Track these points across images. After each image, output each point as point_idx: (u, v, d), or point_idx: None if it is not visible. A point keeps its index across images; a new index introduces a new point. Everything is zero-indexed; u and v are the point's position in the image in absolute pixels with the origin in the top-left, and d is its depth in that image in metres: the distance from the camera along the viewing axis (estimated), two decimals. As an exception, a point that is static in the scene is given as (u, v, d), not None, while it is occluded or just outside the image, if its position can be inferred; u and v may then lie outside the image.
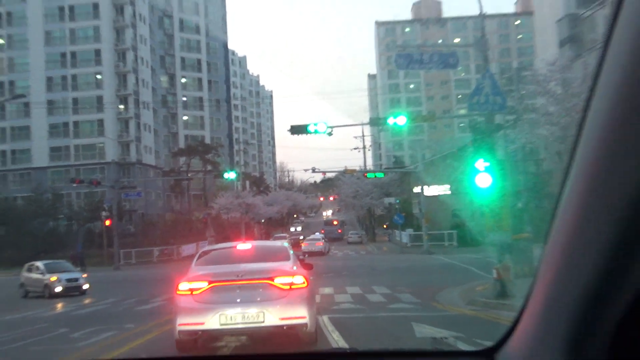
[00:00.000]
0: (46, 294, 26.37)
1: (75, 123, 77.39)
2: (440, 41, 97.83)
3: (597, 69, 0.86)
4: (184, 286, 9.06)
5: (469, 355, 1.59)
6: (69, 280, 26.90)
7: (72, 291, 26.52)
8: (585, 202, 0.96)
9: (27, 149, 77.28)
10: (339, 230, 76.98)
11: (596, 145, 0.90)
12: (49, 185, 69.85)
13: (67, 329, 15.03)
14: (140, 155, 79.02)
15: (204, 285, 8.99)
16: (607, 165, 0.89)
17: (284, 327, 8.90)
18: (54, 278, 26.59)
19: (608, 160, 0.88)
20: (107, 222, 50.44)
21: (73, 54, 77.92)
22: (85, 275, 28.45)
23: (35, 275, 27.68)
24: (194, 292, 8.97)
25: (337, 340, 10.11)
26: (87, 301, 24.06)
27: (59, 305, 23.09)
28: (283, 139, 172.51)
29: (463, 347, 7.17)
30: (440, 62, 21.06)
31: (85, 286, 27.22)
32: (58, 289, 26.31)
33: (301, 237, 63.22)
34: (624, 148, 0.85)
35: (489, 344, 1.59)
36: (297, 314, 8.93)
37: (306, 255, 33.72)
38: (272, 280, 9.03)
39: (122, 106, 78.10)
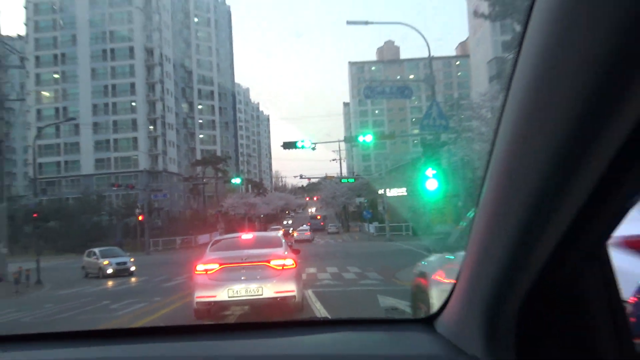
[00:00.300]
0: (100, 275, 25.50)
1: (115, 140, 76.81)
2: (398, 77, 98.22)
3: (506, 91, 0.85)
4: (200, 267, 9.08)
5: (415, 322, 1.57)
6: (118, 263, 25.87)
7: (122, 273, 25.46)
8: (494, 200, 0.96)
9: (77, 160, 76.52)
10: (322, 223, 76.73)
11: (501, 156, 0.89)
12: (94, 188, 69.30)
13: (108, 301, 14.86)
14: (166, 165, 78.55)
15: (216, 266, 9.00)
16: (509, 171, 0.88)
17: (278, 299, 8.93)
18: (106, 262, 25.68)
19: (510, 166, 0.87)
20: (140, 218, 50.03)
21: (113, 86, 77.40)
22: (132, 260, 27.12)
23: (92, 260, 26.79)
24: (208, 272, 8.98)
25: (319, 309, 10.03)
26: (126, 280, 23.65)
27: (106, 283, 22.70)
28: (278, 152, 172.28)
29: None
30: (398, 93, 21.14)
31: (132, 268, 26.09)
32: (109, 270, 25.37)
33: (291, 229, 62.97)
34: (520, 158, 0.84)
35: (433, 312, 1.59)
36: (288, 289, 8.96)
37: (293, 243, 33.37)
38: (269, 262, 9.06)
39: (151, 127, 77.62)
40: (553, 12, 0.65)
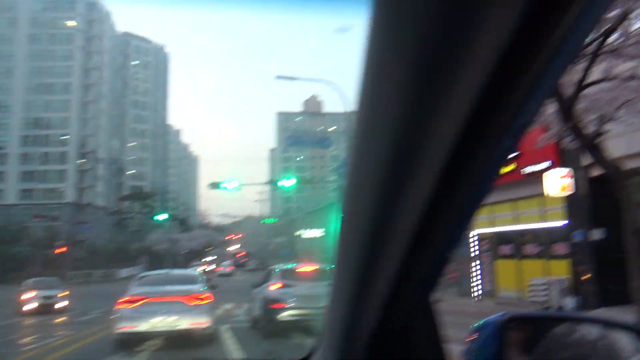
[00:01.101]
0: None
1: (44, 171, 71.93)
2: (321, 128, 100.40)
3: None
4: (124, 300, 9.24)
5: None
6: (45, 297, 20.96)
7: (47, 308, 20.45)
8: (340, 244, 0.92)
9: (0, 189, 70.72)
10: (242, 260, 75.36)
11: (344, 200, 0.86)
12: (16, 219, 63.90)
13: (16, 335, 13.37)
14: (93, 198, 74.27)
15: (139, 299, 9.15)
16: (346, 213, 0.86)
17: (193, 330, 9.20)
18: (27, 296, 20.88)
19: (353, 194, 0.85)
20: (59, 250, 46.54)
21: (47, 119, 73.26)
22: (64, 294, 21.99)
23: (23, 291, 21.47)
24: (132, 305, 9.10)
25: (230, 345, 9.59)
26: (40, 312, 20.79)
27: (19, 317, 19.97)
28: (205, 191, 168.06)
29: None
30: (317, 143, 21.54)
31: (60, 304, 21.23)
32: (28, 307, 20.54)
33: (212, 266, 61.36)
34: (350, 203, 0.81)
35: None
36: (202, 321, 9.23)
37: (212, 278, 31.88)
38: (186, 297, 9.27)
39: (82, 160, 73.69)
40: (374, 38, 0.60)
